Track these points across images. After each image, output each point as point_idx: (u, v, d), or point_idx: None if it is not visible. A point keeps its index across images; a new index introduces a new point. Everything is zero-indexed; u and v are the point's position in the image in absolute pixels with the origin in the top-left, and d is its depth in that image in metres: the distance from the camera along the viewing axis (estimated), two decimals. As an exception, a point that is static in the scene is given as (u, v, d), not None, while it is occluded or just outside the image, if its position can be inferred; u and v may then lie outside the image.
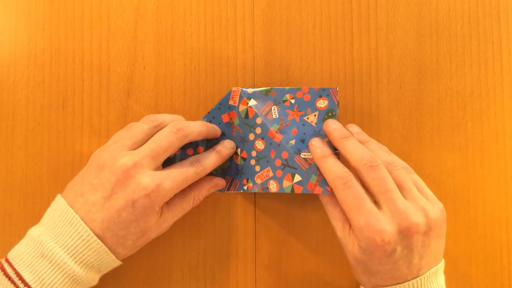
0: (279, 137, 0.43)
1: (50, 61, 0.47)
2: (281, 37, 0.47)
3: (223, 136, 0.46)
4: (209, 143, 0.45)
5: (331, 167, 0.40)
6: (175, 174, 0.39)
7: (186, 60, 0.47)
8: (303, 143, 0.43)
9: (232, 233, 0.47)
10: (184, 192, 0.42)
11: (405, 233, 0.36)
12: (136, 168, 0.38)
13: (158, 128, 0.42)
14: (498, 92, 0.47)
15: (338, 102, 0.44)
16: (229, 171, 0.46)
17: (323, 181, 0.41)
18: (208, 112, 0.46)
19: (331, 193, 0.41)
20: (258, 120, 0.44)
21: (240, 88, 0.46)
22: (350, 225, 0.39)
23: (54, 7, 0.47)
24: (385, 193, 0.37)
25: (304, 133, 0.43)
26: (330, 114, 0.43)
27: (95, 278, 0.39)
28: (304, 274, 0.46)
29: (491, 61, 0.47)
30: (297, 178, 0.42)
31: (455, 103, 0.47)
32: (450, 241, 0.47)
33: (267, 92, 0.45)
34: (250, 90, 0.45)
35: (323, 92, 0.44)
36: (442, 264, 0.39)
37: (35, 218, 0.44)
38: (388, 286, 0.38)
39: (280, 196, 0.47)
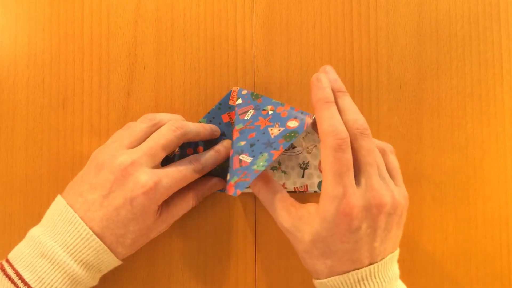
0: (235, 136, 0.42)
1: (50, 61, 0.47)
2: (281, 37, 0.47)
3: (223, 136, 0.46)
4: (209, 142, 0.45)
5: (332, 120, 0.36)
6: (174, 172, 0.39)
7: (186, 60, 0.47)
8: (251, 147, 0.41)
9: (232, 233, 0.47)
10: (183, 192, 0.42)
11: (373, 211, 0.35)
12: (134, 166, 0.38)
13: (156, 126, 0.42)
14: (498, 92, 0.47)
15: (309, 129, 0.43)
16: (229, 171, 0.46)
17: (239, 184, 0.38)
18: (208, 112, 0.46)
19: (269, 187, 0.39)
20: (236, 120, 0.44)
21: (238, 88, 0.46)
22: (296, 209, 0.38)
23: (54, 7, 0.47)
24: (367, 165, 0.36)
25: (258, 140, 0.41)
26: (292, 134, 0.40)
27: (95, 278, 0.40)
28: (304, 274, 0.46)
29: (491, 61, 0.47)
30: (228, 177, 0.40)
31: (455, 103, 0.47)
32: (450, 241, 0.46)
33: (256, 97, 0.45)
34: (244, 91, 0.45)
35: (300, 115, 0.41)
36: (397, 253, 0.39)
37: (35, 218, 0.44)
38: (345, 272, 0.36)
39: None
